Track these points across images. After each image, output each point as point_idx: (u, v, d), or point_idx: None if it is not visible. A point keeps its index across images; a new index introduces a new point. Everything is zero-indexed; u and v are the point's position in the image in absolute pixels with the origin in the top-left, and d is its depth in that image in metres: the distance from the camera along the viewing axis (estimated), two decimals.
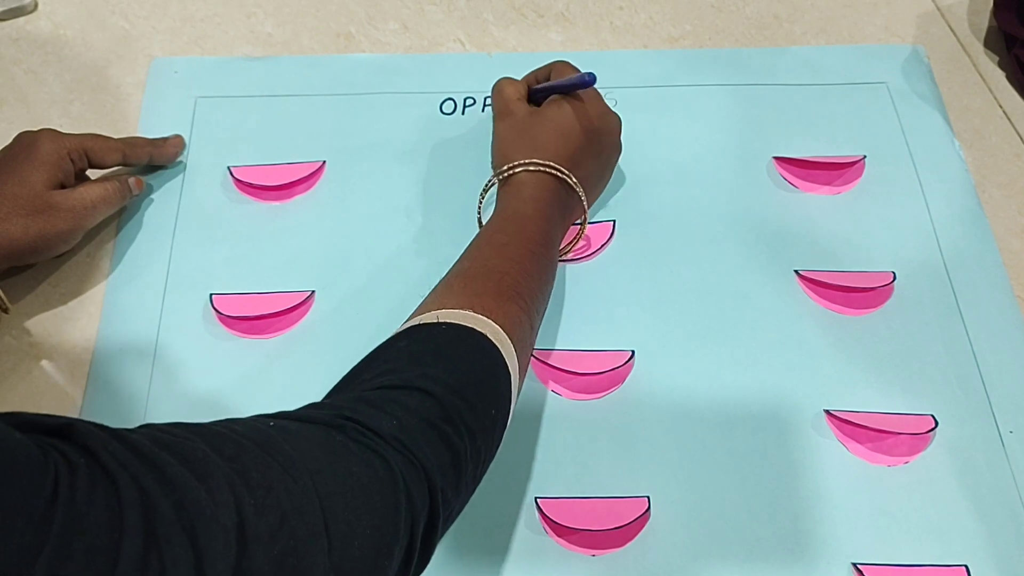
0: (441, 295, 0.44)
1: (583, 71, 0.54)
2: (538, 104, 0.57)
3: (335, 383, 0.40)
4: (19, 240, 0.51)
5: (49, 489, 0.23)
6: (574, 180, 0.52)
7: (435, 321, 0.41)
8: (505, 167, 0.52)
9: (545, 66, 0.58)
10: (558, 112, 0.54)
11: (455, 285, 0.45)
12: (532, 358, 0.54)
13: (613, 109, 0.57)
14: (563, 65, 0.57)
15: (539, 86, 0.57)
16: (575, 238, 0.56)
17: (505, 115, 0.56)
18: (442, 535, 0.37)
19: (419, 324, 0.41)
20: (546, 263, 0.50)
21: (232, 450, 0.29)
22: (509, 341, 0.42)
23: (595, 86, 0.54)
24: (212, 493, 0.26)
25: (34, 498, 0.22)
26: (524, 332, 0.44)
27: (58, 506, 0.23)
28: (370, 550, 0.31)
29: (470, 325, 0.41)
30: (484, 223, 0.52)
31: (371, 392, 0.37)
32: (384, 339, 0.41)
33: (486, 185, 0.54)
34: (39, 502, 0.22)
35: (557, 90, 0.55)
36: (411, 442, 0.34)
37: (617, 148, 0.58)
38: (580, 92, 0.55)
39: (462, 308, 0.42)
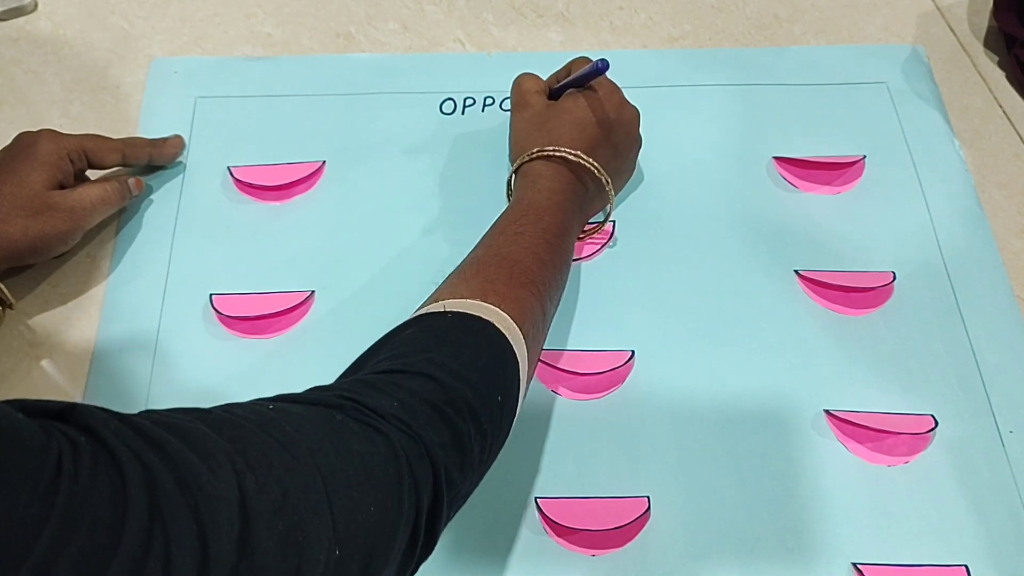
0: (453, 283, 0.45)
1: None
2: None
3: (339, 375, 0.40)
4: (19, 240, 0.51)
5: (53, 465, 0.23)
6: (596, 165, 0.52)
7: (441, 310, 0.41)
8: (524, 156, 0.53)
9: (565, 66, 0.58)
10: (573, 104, 0.55)
11: (468, 272, 0.45)
12: None
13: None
14: (581, 60, 0.57)
15: (558, 84, 0.57)
16: (603, 223, 0.57)
17: (522, 107, 0.57)
18: (447, 519, 0.37)
19: (426, 313, 0.42)
20: (561, 253, 0.50)
21: (232, 431, 0.29)
22: (518, 329, 0.42)
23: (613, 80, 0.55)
24: (213, 470, 0.27)
25: (38, 473, 0.22)
26: (536, 319, 0.44)
27: (62, 481, 0.23)
28: (374, 525, 0.31)
29: (477, 314, 0.41)
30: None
31: (373, 376, 0.37)
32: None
33: (508, 179, 0.55)
34: (43, 477, 0.22)
35: (574, 84, 0.56)
36: (412, 420, 0.35)
37: (636, 140, 0.58)
38: (596, 85, 0.55)
39: (471, 297, 0.42)
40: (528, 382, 0.43)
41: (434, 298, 0.43)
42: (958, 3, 0.72)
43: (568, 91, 0.56)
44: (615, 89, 0.56)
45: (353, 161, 0.63)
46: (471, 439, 0.37)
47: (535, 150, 0.53)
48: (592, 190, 0.54)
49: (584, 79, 0.55)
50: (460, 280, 0.45)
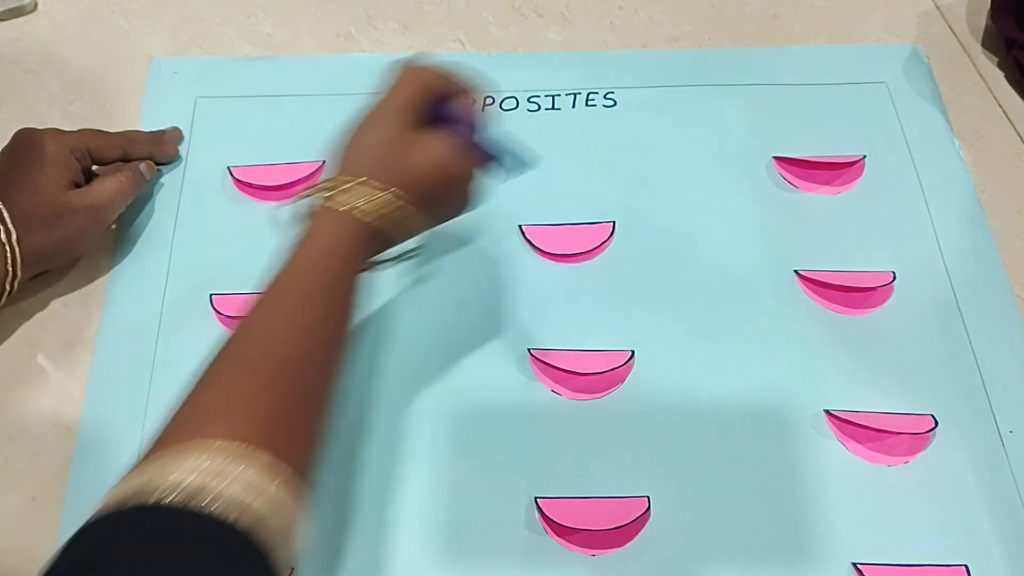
0: (185, 416, 0.36)
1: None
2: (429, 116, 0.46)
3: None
4: (44, 246, 0.51)
5: None
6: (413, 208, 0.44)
7: (153, 502, 0.29)
8: (343, 182, 0.44)
9: (454, 76, 0.48)
10: (436, 150, 0.44)
11: (201, 396, 0.37)
12: (532, 358, 0.54)
13: (609, 111, 0.54)
14: (474, 92, 0.48)
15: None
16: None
17: (387, 109, 0.46)
18: None
19: (132, 508, 0.30)
20: (334, 310, 0.41)
21: None
22: (289, 500, 0.32)
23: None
24: None
25: None
26: (312, 443, 0.37)
27: None
28: None
29: (213, 511, 0.29)
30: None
31: None
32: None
33: (315, 187, 0.44)
34: None
35: (453, 119, 0.46)
36: None
37: (465, 201, 0.47)
38: (468, 150, 0.45)
39: (210, 456, 0.31)
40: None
41: (153, 453, 0.32)
42: (958, 3, 0.72)
43: (441, 129, 0.45)
44: (471, 164, 0.46)
45: None
46: None
47: (362, 180, 0.43)
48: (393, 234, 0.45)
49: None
50: (193, 408, 0.36)
